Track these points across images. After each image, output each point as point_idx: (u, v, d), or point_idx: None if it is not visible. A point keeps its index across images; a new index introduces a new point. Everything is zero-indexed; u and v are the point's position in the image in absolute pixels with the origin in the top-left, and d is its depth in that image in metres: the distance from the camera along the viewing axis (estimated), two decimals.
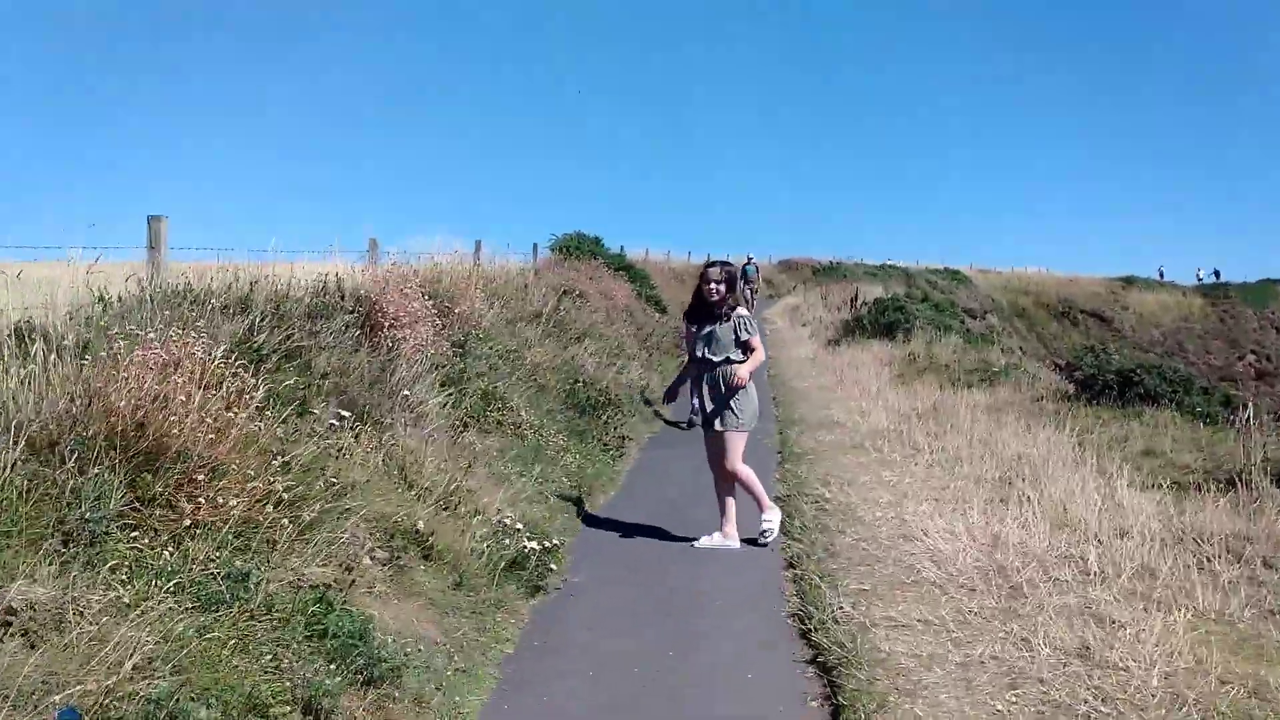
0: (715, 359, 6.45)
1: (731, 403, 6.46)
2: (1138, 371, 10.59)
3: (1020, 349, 32.39)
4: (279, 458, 4.45)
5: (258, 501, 4.05)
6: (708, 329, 6.49)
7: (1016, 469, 8.22)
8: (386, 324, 7.00)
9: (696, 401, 6.80)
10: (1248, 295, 57.53)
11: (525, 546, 5.55)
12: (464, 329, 8.96)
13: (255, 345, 5.63)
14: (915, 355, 17.06)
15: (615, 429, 10.01)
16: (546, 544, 5.76)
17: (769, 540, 6.64)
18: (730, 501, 6.69)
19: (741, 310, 6.56)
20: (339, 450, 5.34)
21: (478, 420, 7.52)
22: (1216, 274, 62.45)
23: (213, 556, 3.75)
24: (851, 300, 27.80)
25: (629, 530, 7.14)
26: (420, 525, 5.10)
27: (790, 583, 5.97)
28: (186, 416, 3.84)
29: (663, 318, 21.91)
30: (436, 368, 7.56)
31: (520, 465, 7.37)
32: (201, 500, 3.78)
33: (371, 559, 4.68)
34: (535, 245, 18.95)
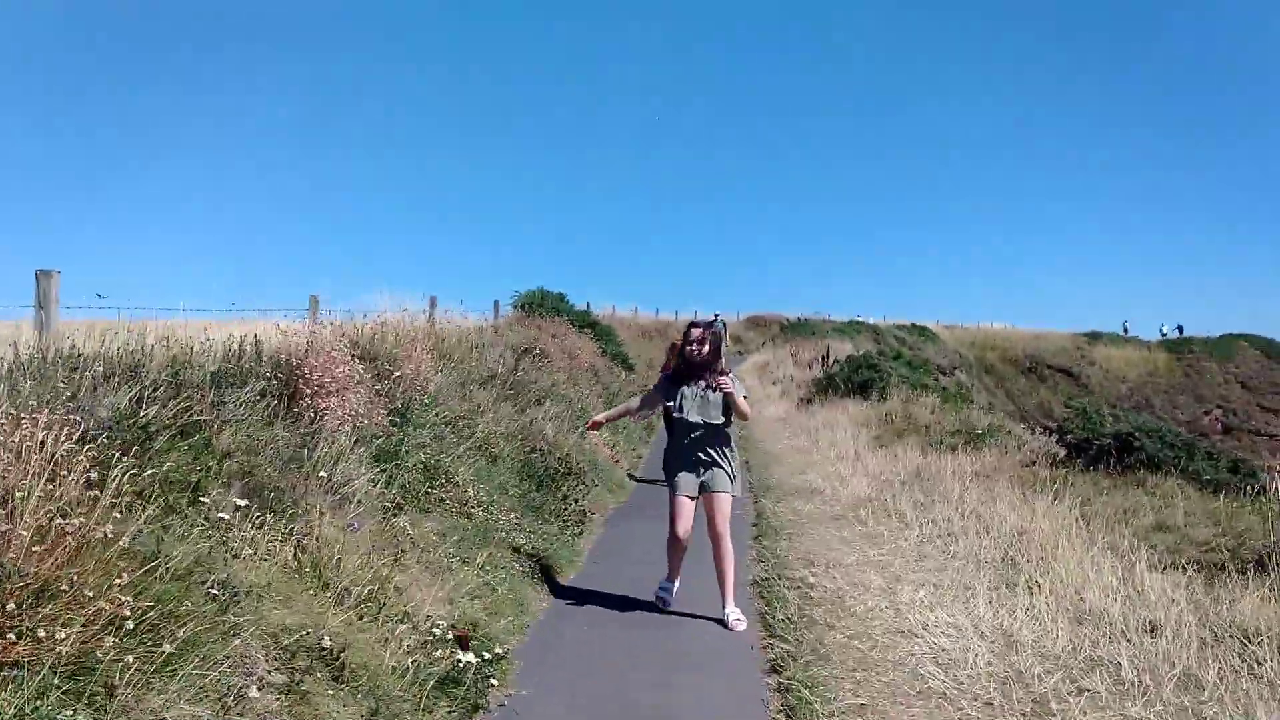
0: (717, 422, 6.20)
1: (732, 465, 6.29)
2: (1137, 435, 9.85)
3: (990, 404, 31.79)
4: (135, 569, 3.53)
5: (103, 628, 3.15)
6: (699, 393, 6.19)
7: (1019, 547, 7.44)
8: (310, 392, 6.11)
9: (680, 467, 6.17)
10: (1211, 350, 57.77)
11: (460, 660, 4.65)
12: (406, 395, 8.08)
13: (141, 421, 4.74)
14: (893, 415, 16.34)
15: (576, 502, 9.12)
16: (485, 654, 4.86)
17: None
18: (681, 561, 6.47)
19: (730, 377, 6.26)
20: (233, 548, 4.43)
21: (416, 500, 6.62)
22: (1180, 329, 62.75)
23: (27, 711, 2.85)
24: (823, 358, 27.17)
25: (589, 623, 6.26)
26: (328, 640, 4.19)
27: (775, 692, 5.11)
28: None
29: (630, 376, 21.11)
30: (369, 439, 6.67)
31: (464, 550, 6.46)
32: (13, 635, 2.88)
33: (261, 688, 3.77)
34: (496, 303, 18.23)
